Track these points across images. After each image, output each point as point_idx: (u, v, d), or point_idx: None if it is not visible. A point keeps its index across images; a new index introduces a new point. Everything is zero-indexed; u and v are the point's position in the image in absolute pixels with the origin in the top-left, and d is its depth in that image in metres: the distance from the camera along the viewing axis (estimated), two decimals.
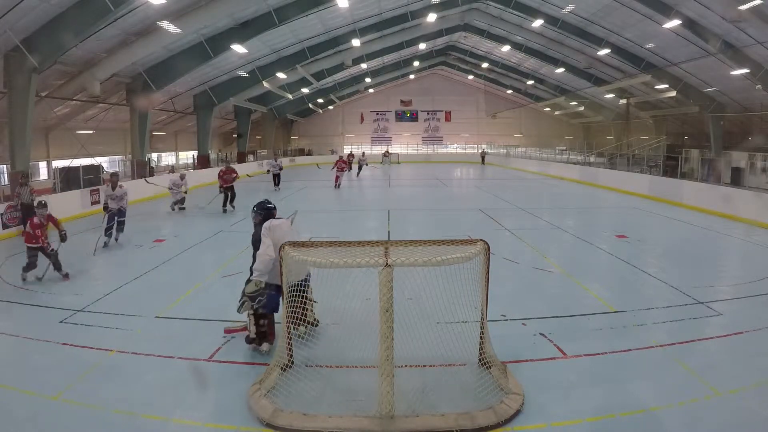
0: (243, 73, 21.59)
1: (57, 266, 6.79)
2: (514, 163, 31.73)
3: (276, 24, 16.22)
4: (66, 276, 6.77)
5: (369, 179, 23.66)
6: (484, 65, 33.00)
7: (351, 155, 27.29)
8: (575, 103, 33.65)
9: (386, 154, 34.44)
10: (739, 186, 13.18)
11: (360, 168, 24.57)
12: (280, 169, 18.58)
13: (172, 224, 12.03)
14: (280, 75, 22.34)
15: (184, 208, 13.68)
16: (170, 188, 13.38)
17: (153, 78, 17.29)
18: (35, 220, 6.80)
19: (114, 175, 9.42)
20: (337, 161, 19.37)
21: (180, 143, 31.74)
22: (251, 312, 4.28)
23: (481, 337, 3.97)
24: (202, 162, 23.61)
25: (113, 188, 9.01)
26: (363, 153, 27.98)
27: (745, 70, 17.63)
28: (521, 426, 3.28)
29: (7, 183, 14.43)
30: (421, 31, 23.83)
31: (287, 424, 3.25)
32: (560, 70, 26.24)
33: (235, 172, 13.44)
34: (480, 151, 36.27)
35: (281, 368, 3.87)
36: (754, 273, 6.91)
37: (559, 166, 24.77)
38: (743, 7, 13.41)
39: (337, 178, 18.75)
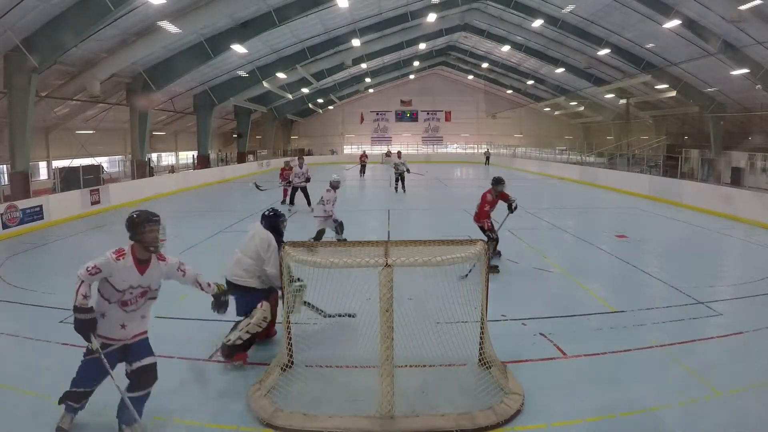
0: (243, 73, 21.60)
1: None
2: (515, 163, 31.65)
3: (276, 24, 16.23)
4: None
5: (367, 179, 23.39)
6: (484, 65, 33.01)
7: (364, 156, 24.24)
8: (575, 103, 33.65)
9: (387, 155, 34.41)
10: (739, 186, 13.21)
11: (400, 178, 16.68)
12: (308, 180, 12.64)
13: (172, 224, 12.03)
14: (280, 75, 22.35)
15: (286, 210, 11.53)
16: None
17: (153, 78, 17.30)
18: None
19: (151, 221, 3.11)
20: (283, 170, 13.75)
21: (180, 143, 31.75)
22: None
23: (481, 337, 3.97)
24: (202, 162, 23.62)
25: (154, 248, 3.14)
26: (399, 153, 18.93)
27: (745, 70, 17.64)
28: (521, 426, 3.28)
29: (7, 183, 14.42)
30: (421, 31, 23.83)
31: (287, 424, 3.24)
32: (560, 70, 26.26)
33: None
34: (484, 151, 35.80)
35: (281, 368, 3.87)
36: (754, 273, 6.90)
37: (559, 166, 24.77)
38: (743, 7, 13.43)
39: (285, 192, 13.59)
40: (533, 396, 3.56)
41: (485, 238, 6.50)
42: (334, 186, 8.23)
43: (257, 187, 13.13)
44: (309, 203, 12.26)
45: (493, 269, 6.43)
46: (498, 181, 6.92)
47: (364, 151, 27.22)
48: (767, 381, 3.82)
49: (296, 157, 15.31)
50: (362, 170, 24.12)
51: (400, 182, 16.69)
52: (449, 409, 3.35)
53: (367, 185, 21.23)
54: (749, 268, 7.37)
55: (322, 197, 8.06)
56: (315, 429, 3.19)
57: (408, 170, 16.52)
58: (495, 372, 3.80)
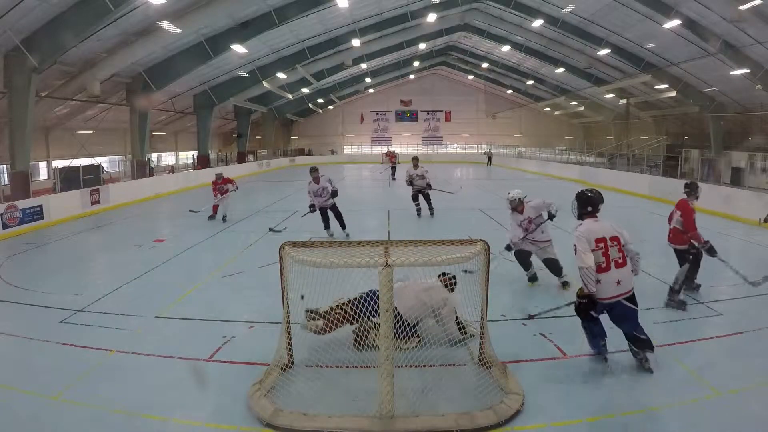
0: (243, 73, 21.61)
1: None
2: (520, 164, 31.26)
3: (276, 24, 16.24)
4: None
5: (367, 179, 23.33)
6: (484, 65, 33.00)
7: (393, 156, 23.07)
8: (575, 103, 33.64)
9: (387, 155, 34.27)
10: (739, 186, 13.18)
11: (422, 195, 11.60)
12: (334, 194, 8.95)
13: (171, 224, 12.04)
14: (280, 75, 22.36)
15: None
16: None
17: (153, 78, 17.31)
18: None
19: None
20: (216, 183, 11.28)
21: (180, 143, 31.76)
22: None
23: (481, 337, 3.97)
24: (202, 162, 23.63)
25: None
26: (415, 160, 11.86)
27: (745, 70, 17.63)
28: (521, 426, 3.28)
29: (7, 183, 14.43)
30: (421, 31, 23.84)
31: (287, 424, 3.24)
32: (560, 70, 26.26)
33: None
34: (485, 152, 34.85)
35: (281, 368, 3.87)
36: (753, 273, 6.87)
37: (559, 166, 24.75)
38: (743, 7, 13.42)
39: (215, 207, 11.36)
40: (533, 396, 3.56)
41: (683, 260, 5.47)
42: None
43: (192, 211, 12.04)
44: (343, 225, 9.08)
45: (680, 304, 5.34)
46: (694, 187, 5.62)
47: (394, 151, 25.29)
48: (767, 381, 3.82)
49: (315, 172, 9.15)
50: (393, 173, 22.37)
51: (422, 199, 11.61)
52: (449, 409, 3.35)
53: (367, 185, 21.20)
54: (749, 268, 7.31)
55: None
56: (315, 429, 3.19)
57: (429, 185, 11.40)
58: (495, 372, 3.80)
